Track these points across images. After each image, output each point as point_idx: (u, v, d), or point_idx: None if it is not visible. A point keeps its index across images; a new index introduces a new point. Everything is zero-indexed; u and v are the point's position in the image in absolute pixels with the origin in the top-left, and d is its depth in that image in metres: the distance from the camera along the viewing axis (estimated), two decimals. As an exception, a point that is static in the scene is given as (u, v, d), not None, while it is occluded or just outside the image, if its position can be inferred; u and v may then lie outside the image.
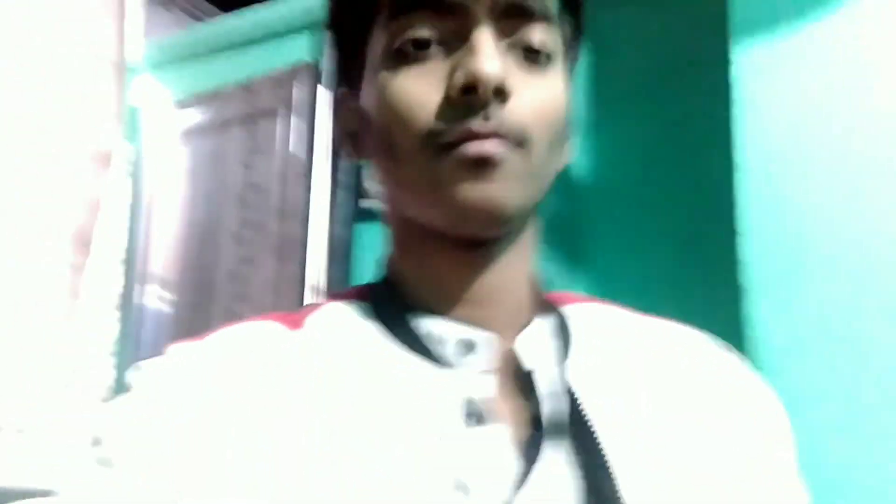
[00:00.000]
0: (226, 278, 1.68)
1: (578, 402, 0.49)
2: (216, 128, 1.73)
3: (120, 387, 1.75)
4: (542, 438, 0.46)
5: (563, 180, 2.06)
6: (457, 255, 0.52)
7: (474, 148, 0.46)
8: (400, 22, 0.49)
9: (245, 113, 1.68)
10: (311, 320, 0.53)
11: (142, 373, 0.50)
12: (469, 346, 0.50)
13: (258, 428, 0.46)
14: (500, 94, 0.47)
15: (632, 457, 0.48)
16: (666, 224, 1.94)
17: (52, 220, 1.67)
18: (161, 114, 1.85)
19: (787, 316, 1.27)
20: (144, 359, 0.50)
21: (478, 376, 0.49)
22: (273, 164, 1.63)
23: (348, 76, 0.56)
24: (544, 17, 0.50)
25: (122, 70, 1.86)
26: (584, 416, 0.48)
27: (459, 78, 0.47)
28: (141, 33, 1.91)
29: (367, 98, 0.53)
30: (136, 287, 1.81)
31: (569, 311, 0.57)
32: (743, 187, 1.35)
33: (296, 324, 0.53)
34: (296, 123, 1.59)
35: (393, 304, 0.53)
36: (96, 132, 1.79)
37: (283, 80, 1.62)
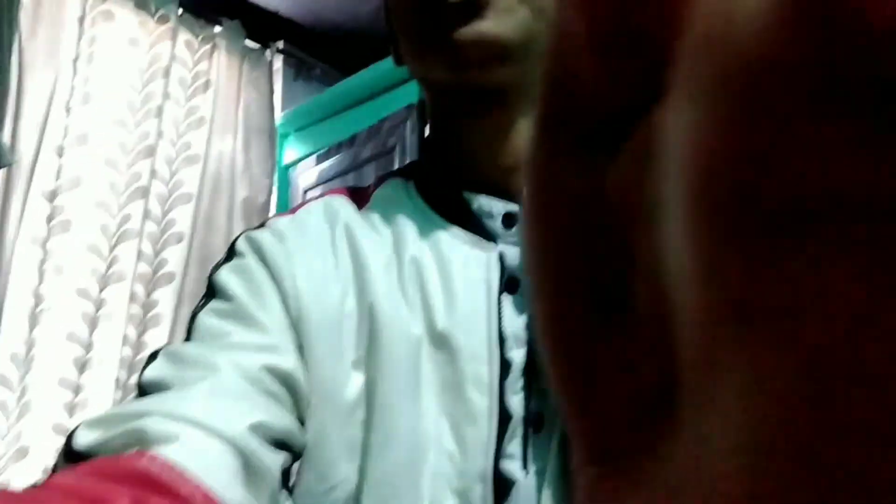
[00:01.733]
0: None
1: None
2: (350, 172, 2.00)
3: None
4: None
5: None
6: (479, 117, 0.54)
7: None
8: None
9: (372, 154, 1.94)
10: (374, 198, 0.59)
11: (248, 240, 0.55)
12: (512, 219, 0.53)
13: (344, 284, 0.53)
14: None
15: None
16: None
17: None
18: (304, 167, 2.17)
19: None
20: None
21: (516, 249, 0.52)
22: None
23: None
24: None
25: (273, 135, 2.20)
26: None
27: None
28: (279, 104, 2.25)
29: None
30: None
31: None
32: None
33: (363, 200, 0.59)
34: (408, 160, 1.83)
35: (438, 181, 0.57)
36: (256, 187, 2.12)
37: (398, 123, 1.88)
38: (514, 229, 0.53)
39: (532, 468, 0.48)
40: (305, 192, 2.15)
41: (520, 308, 0.52)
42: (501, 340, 0.50)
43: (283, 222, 0.57)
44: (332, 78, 2.43)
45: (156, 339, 1.86)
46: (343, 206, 0.58)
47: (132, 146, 1.91)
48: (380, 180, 0.62)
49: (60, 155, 1.78)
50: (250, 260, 0.53)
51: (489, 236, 0.53)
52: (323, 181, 2.09)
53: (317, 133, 2.18)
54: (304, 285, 0.52)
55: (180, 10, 2.05)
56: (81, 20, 1.86)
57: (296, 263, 0.53)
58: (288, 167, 2.24)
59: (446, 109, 0.57)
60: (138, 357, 1.81)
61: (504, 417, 0.49)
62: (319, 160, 2.12)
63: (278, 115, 2.25)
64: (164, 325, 1.89)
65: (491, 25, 0.49)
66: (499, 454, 0.48)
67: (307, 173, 2.16)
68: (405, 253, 0.54)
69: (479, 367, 0.49)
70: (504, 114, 0.54)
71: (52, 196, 1.75)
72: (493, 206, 0.54)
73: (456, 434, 0.49)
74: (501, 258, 0.52)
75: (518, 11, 0.50)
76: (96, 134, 1.85)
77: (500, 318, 0.51)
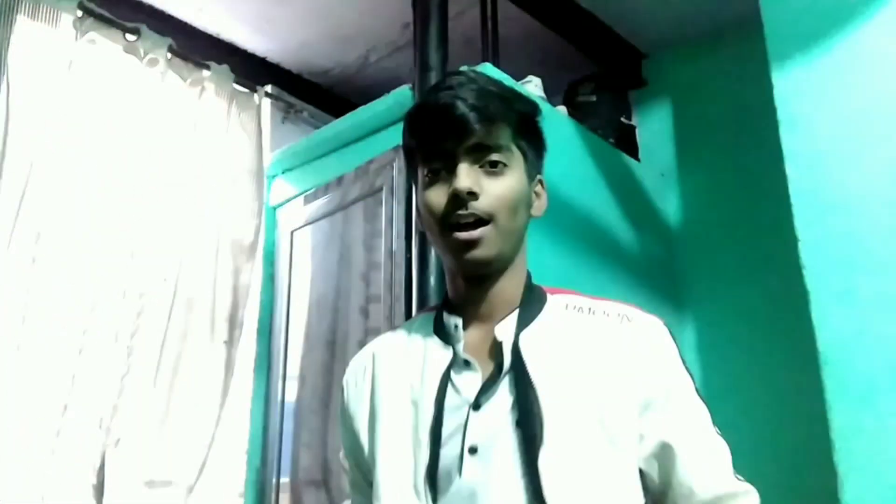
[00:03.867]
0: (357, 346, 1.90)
1: (522, 355, 0.88)
2: (337, 212, 2.01)
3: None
4: (497, 376, 0.89)
5: (660, 228, 2.20)
6: (469, 283, 0.95)
7: (464, 235, 0.90)
8: (425, 163, 0.93)
9: (360, 195, 1.95)
10: (406, 324, 1.05)
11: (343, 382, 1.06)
12: (457, 327, 0.94)
13: (377, 394, 0.98)
14: (472, 194, 0.89)
15: (554, 386, 0.86)
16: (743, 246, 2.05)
17: (210, 303, 2.00)
18: (292, 207, 2.17)
19: (844, 312, 1.34)
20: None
21: (460, 344, 0.93)
22: (382, 242, 1.85)
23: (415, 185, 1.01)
24: (498, 148, 0.91)
25: (261, 176, 2.21)
26: (524, 363, 0.88)
27: (451, 191, 0.90)
28: (268, 146, 2.27)
29: (418, 200, 0.97)
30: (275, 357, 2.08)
31: (551, 299, 0.98)
32: (796, 199, 1.45)
33: (396, 329, 1.05)
34: (396, 203, 1.83)
35: (441, 311, 0.99)
36: (243, 229, 2.13)
37: (385, 164, 1.89)
38: (457, 331, 0.94)
39: (466, 475, 0.85)
40: (293, 232, 2.15)
41: (473, 374, 0.91)
42: (443, 401, 0.90)
43: (354, 363, 1.07)
44: (320, 120, 2.46)
45: (140, 377, 1.84)
46: (386, 337, 1.06)
47: (117, 186, 1.91)
48: (419, 312, 1.10)
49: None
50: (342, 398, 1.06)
51: (448, 339, 0.95)
52: (310, 221, 2.09)
53: (304, 174, 2.19)
54: (355, 411, 1.01)
55: (169, 55, 2.07)
56: (70, 64, 1.88)
57: (353, 396, 1.03)
58: (275, 208, 2.24)
59: (451, 271, 0.98)
60: (117, 400, 1.79)
61: (438, 443, 0.87)
62: (307, 201, 2.13)
63: (267, 156, 2.26)
64: (149, 365, 1.87)
65: (482, 252, 0.90)
66: (436, 466, 0.86)
67: (295, 214, 2.16)
68: (414, 360, 0.96)
69: (427, 416, 0.89)
70: (486, 281, 0.95)
71: (36, 237, 1.75)
72: (451, 320, 0.95)
73: (414, 455, 0.88)
74: (455, 351, 0.93)
75: (497, 242, 0.91)
76: (81, 174, 1.85)
77: (447, 388, 0.90)
